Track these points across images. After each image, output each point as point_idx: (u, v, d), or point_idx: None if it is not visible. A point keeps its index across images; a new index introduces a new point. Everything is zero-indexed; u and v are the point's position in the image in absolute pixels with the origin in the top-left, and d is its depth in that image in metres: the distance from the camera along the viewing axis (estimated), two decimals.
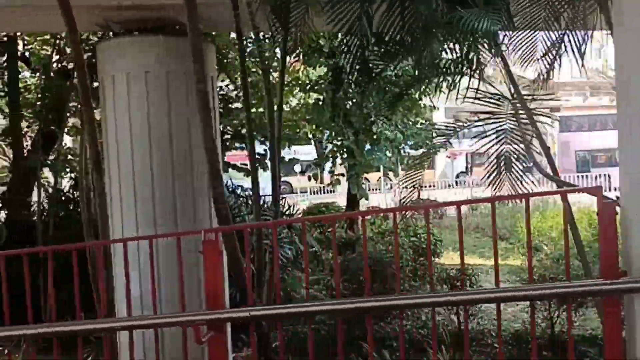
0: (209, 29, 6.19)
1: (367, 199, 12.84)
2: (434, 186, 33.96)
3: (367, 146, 13.16)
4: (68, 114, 12.88)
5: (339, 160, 13.36)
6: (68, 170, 13.46)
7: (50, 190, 11.89)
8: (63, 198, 11.41)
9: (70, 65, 12.22)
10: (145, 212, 5.72)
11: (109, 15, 6.10)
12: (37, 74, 12.34)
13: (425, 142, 12.80)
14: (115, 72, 5.73)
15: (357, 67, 5.24)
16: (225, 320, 2.56)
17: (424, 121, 13.82)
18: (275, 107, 5.71)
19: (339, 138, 12.49)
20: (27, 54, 12.60)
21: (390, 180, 23.39)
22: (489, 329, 8.11)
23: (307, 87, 14.19)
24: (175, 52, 5.75)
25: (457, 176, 39.88)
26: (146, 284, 5.10)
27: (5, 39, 11.30)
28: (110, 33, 6.36)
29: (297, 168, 30.11)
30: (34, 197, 12.50)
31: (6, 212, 12.14)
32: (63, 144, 13.71)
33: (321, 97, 14.39)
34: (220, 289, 2.73)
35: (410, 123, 13.19)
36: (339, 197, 20.76)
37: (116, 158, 5.78)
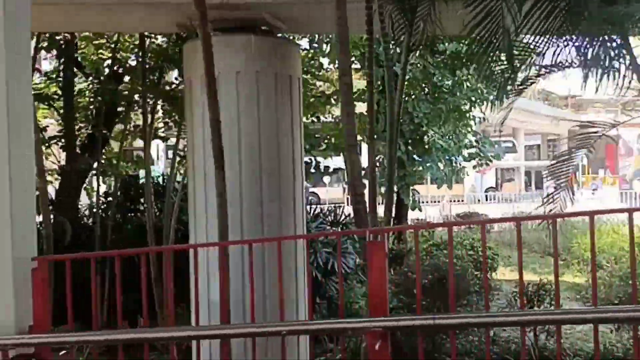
0: (292, 31, 6.07)
1: (420, 209, 12.59)
2: (462, 201, 33.49)
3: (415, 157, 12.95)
4: (117, 119, 12.96)
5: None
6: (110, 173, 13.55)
7: (100, 193, 11.89)
8: (116, 202, 11.35)
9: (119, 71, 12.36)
10: (232, 215, 5.55)
11: (193, 14, 6.02)
12: (90, 78, 12.40)
13: (478, 154, 12.57)
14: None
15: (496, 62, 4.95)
16: (409, 327, 2.36)
17: (471, 132, 13.56)
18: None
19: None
20: (79, 58, 12.67)
21: (418, 192, 22.98)
22: (565, 348, 7.78)
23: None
24: (265, 53, 5.64)
25: (486, 191, 39.42)
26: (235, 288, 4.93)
27: (62, 43, 11.37)
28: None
29: (327, 179, 29.79)
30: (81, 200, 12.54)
31: (53, 215, 12.09)
32: (111, 148, 13.79)
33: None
34: (386, 293, 2.53)
35: (462, 133, 12.95)
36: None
37: (202, 159, 5.65)
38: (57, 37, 11.17)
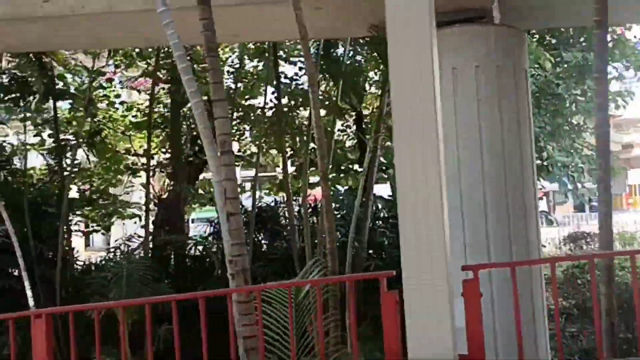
0: (510, 22, 5.47)
1: (558, 224, 11.75)
2: None
3: None
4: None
5: None
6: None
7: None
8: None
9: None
10: (474, 227, 4.87)
11: None
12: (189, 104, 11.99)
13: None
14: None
15: None
16: None
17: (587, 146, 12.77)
18: None
19: None
20: None
21: None
22: None
23: None
24: (504, 44, 5.05)
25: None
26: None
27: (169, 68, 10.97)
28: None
29: None
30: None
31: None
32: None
33: None
34: None
35: (579, 148, 12.19)
36: None
37: None
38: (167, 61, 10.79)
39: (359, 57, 10.82)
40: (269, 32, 7.01)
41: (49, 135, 11.39)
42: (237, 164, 13.30)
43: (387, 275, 2.71)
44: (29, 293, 6.40)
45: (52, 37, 6.94)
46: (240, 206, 10.94)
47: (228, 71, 12.12)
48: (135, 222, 12.96)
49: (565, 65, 11.13)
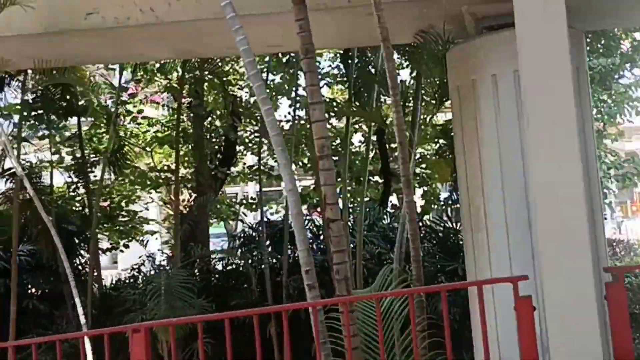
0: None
1: None
2: None
3: None
4: (235, 159, 12.41)
5: None
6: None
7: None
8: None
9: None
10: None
11: (449, 17, 5.45)
12: (209, 118, 11.91)
13: (627, 176, 11.70)
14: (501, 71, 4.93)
15: None
16: None
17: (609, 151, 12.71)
18: None
19: None
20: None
21: None
22: None
23: None
24: None
25: None
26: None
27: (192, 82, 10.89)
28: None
29: None
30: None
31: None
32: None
33: None
34: None
35: (603, 154, 12.13)
36: None
37: (500, 176, 4.85)
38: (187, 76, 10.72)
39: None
40: (344, 38, 6.91)
41: (67, 153, 11.29)
42: (253, 177, 13.25)
43: (520, 280, 2.59)
44: (80, 311, 6.23)
45: (90, 50, 6.85)
46: (266, 219, 10.92)
47: (246, 85, 12.06)
48: (157, 239, 12.80)
49: (590, 72, 11.10)
